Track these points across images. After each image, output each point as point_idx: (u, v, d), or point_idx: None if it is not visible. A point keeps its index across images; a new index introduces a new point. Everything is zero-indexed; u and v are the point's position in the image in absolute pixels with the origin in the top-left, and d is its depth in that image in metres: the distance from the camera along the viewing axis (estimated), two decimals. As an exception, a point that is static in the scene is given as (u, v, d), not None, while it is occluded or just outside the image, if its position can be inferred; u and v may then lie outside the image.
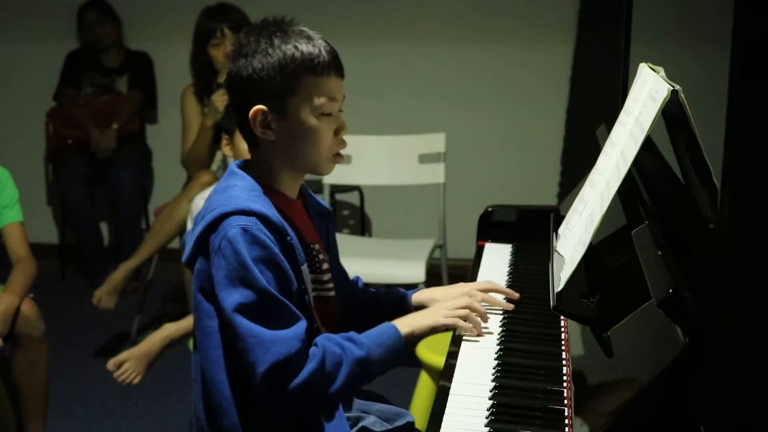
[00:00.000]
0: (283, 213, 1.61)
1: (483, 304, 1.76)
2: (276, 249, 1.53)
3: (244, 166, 1.68)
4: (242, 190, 1.59)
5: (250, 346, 1.49)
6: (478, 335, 1.69)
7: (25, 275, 2.78)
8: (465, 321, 1.69)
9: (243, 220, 1.52)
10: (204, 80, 3.74)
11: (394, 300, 1.85)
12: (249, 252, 1.50)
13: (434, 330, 1.67)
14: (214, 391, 1.59)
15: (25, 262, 2.82)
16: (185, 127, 3.83)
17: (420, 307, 1.79)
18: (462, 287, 1.83)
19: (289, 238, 1.57)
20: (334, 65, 1.61)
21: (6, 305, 2.66)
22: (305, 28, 1.63)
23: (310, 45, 1.59)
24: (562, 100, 4.45)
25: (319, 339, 1.56)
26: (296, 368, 1.50)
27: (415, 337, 1.65)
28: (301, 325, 1.52)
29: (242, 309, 1.50)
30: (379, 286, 3.88)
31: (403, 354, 1.62)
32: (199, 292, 1.59)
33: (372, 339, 1.59)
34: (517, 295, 1.83)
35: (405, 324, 1.64)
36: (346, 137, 1.66)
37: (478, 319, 1.70)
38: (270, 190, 1.63)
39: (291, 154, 1.63)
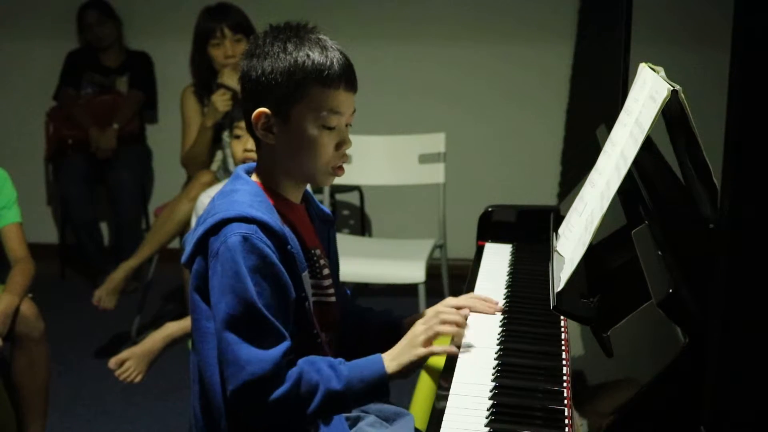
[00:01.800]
0: (286, 218, 1.60)
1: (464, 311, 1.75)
2: (275, 258, 1.52)
3: (250, 170, 1.68)
4: (246, 195, 1.58)
5: (226, 361, 1.49)
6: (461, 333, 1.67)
7: (23, 275, 2.78)
8: (449, 335, 1.65)
9: (244, 228, 1.51)
10: (204, 80, 3.74)
11: (383, 322, 1.82)
12: (245, 261, 1.49)
13: (417, 365, 1.61)
14: (211, 392, 1.58)
15: (23, 263, 2.82)
16: (185, 127, 3.83)
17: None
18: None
19: (289, 246, 1.56)
20: (345, 78, 1.59)
21: (5, 305, 2.66)
22: (324, 37, 1.61)
23: (323, 55, 1.57)
24: (562, 100, 4.45)
25: (301, 361, 1.54)
26: (268, 389, 1.48)
27: (406, 370, 1.59)
28: (282, 347, 1.50)
29: (229, 321, 1.49)
30: (379, 286, 3.90)
31: (385, 391, 1.57)
32: (195, 292, 1.59)
33: (355, 372, 1.55)
34: (497, 307, 1.83)
35: (392, 361, 1.58)
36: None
37: (452, 328, 1.66)
38: (273, 193, 1.63)
39: (289, 162, 1.62)
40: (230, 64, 3.60)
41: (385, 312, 1.87)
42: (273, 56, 1.57)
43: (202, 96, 3.76)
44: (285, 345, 1.51)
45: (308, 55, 1.56)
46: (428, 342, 1.60)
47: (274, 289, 1.52)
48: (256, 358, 1.48)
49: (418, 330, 1.63)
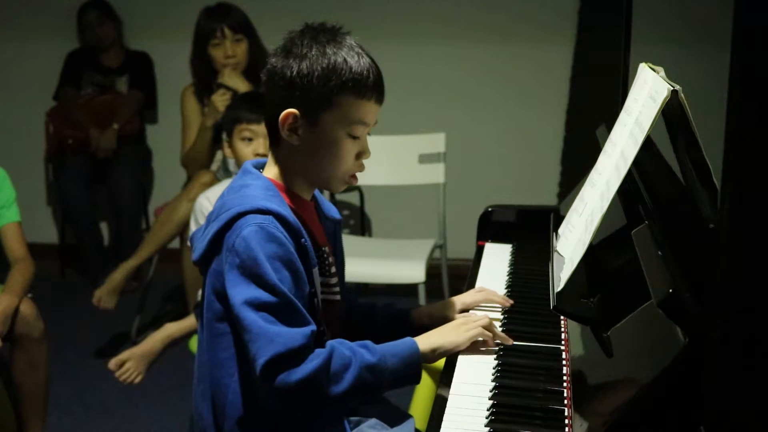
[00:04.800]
0: (297, 214, 1.59)
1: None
2: (292, 248, 1.52)
3: (259, 165, 1.67)
4: (258, 189, 1.57)
5: (253, 337, 1.46)
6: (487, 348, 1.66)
7: (23, 275, 2.78)
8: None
9: (259, 219, 1.51)
10: (204, 80, 3.74)
11: (390, 313, 1.83)
12: (264, 249, 1.48)
13: (460, 346, 1.61)
14: (218, 393, 1.58)
15: (23, 263, 2.81)
16: (185, 127, 3.83)
17: (420, 325, 1.77)
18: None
19: (303, 240, 1.55)
20: (377, 91, 1.59)
21: (5, 305, 2.65)
22: (355, 43, 1.60)
23: (360, 64, 1.56)
24: (562, 100, 4.45)
25: (330, 341, 1.53)
26: (298, 361, 1.46)
27: (437, 354, 1.59)
28: (310, 328, 1.49)
29: (251, 303, 1.47)
30: (379, 286, 3.90)
31: (418, 369, 1.55)
32: (212, 293, 1.57)
33: (387, 348, 1.55)
34: (509, 302, 1.83)
35: (426, 340, 1.58)
36: None
37: (494, 333, 1.67)
38: (285, 190, 1.62)
39: (308, 164, 1.62)
40: (230, 64, 3.61)
41: (389, 305, 1.87)
42: (311, 58, 1.55)
43: (202, 96, 3.76)
44: (312, 327, 1.50)
45: (346, 62, 1.56)
46: (472, 336, 1.62)
47: (293, 277, 1.50)
48: (286, 332, 1.46)
49: (460, 321, 1.66)
